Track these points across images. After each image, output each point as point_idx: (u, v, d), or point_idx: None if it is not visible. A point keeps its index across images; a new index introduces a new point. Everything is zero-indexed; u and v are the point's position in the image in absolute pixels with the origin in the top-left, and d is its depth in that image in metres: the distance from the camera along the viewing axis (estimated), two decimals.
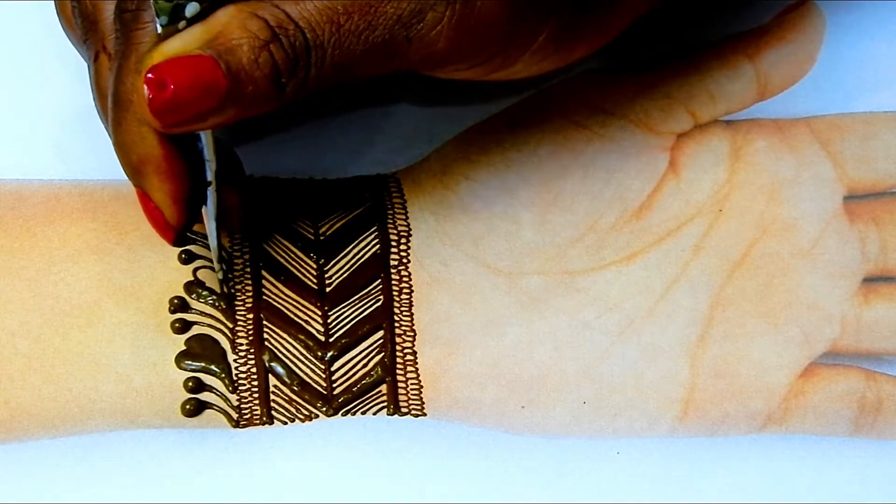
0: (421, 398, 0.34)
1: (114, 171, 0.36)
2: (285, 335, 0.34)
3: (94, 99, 0.32)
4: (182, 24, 0.27)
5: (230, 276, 0.35)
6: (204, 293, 0.34)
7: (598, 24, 0.32)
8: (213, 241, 0.33)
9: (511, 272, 0.35)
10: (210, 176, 0.31)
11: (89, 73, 0.32)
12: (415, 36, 0.28)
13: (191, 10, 0.27)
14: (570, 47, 0.31)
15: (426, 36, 0.28)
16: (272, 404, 0.34)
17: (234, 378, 0.34)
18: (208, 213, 0.32)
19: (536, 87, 0.38)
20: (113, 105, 0.29)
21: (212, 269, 0.35)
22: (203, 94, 0.27)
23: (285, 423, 0.34)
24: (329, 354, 0.34)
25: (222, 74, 0.27)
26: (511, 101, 0.38)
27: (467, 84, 0.39)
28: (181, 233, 0.31)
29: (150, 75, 0.27)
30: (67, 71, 0.39)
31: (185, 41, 0.27)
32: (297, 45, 0.27)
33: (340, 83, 0.29)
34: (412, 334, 0.35)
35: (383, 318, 0.35)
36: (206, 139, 0.30)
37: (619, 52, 0.39)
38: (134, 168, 0.30)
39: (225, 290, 0.34)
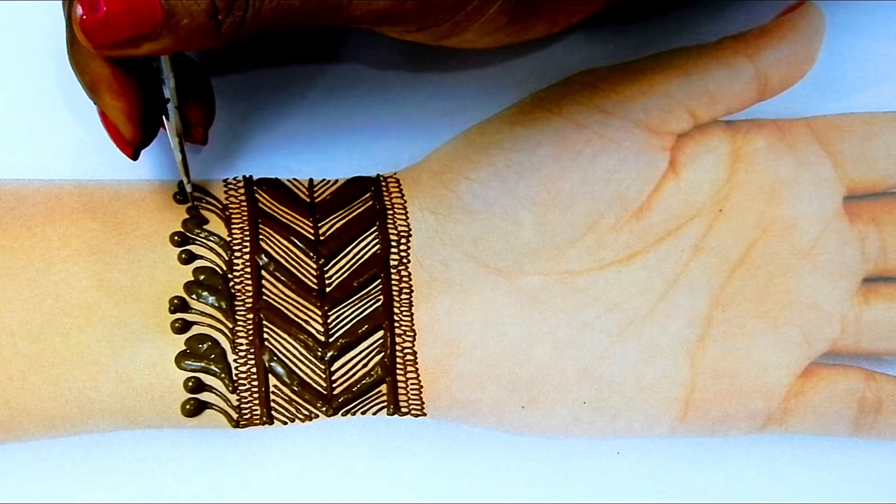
0: (421, 398, 0.34)
1: (114, 171, 0.37)
2: (285, 335, 0.34)
3: (66, 26, 0.33)
4: None
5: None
6: (204, 293, 0.34)
7: (559, 2, 0.31)
8: (177, 156, 0.34)
9: (511, 272, 0.35)
10: (168, 93, 0.32)
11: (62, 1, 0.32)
12: None
13: None
14: (525, 23, 0.31)
15: None
16: (272, 404, 0.34)
17: (234, 378, 0.34)
18: (170, 128, 0.33)
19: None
20: (67, 27, 0.30)
21: (213, 268, 0.35)
22: (137, 20, 0.27)
23: (285, 423, 0.34)
24: (329, 354, 0.34)
25: (160, 4, 0.27)
26: (511, 101, 0.38)
27: (469, 83, 0.39)
28: (139, 148, 0.32)
29: None
30: (68, 70, 0.39)
31: None
32: None
33: (285, 33, 0.29)
34: (412, 334, 0.35)
35: (383, 318, 0.35)
36: (163, 58, 0.31)
37: (618, 52, 0.39)
38: (89, 87, 0.31)
39: (191, 201, 0.35)
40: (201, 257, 0.35)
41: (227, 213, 0.36)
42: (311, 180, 0.37)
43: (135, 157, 0.33)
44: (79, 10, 0.27)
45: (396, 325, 0.35)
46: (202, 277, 0.35)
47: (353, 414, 0.34)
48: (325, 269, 0.35)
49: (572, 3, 0.31)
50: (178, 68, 0.32)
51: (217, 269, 0.35)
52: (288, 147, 0.38)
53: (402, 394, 0.34)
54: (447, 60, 0.39)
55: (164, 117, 0.33)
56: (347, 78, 0.40)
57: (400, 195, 0.37)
